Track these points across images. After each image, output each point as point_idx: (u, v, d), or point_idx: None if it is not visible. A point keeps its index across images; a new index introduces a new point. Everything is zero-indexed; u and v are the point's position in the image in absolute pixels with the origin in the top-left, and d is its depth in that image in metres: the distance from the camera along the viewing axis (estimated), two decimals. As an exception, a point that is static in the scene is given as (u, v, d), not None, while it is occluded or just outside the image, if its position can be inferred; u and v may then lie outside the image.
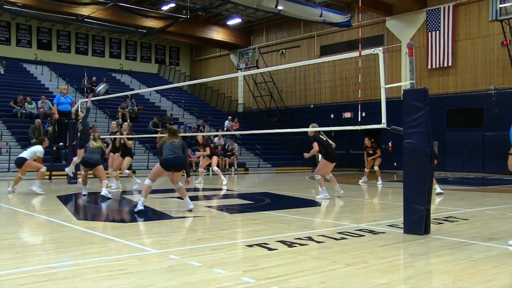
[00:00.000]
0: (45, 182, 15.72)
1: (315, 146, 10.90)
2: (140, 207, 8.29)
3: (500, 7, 20.54)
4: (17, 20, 31.49)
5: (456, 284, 4.19)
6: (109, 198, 10.76)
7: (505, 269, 4.71)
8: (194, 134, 18.52)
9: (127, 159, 14.14)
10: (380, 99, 6.76)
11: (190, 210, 8.48)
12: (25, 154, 12.08)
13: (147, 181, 8.45)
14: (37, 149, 12.17)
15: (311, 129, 10.57)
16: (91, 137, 11.61)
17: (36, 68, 31.13)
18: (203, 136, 16.76)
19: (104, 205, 10.00)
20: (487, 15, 22.38)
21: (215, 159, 16.21)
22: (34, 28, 32.52)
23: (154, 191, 10.76)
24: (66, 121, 15.61)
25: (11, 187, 12.13)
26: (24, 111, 22.93)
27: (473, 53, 23.73)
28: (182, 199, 8.82)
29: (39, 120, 21.01)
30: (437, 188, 11.69)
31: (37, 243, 5.93)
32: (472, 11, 23.84)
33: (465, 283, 4.18)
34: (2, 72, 28.24)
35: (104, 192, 10.90)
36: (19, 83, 26.96)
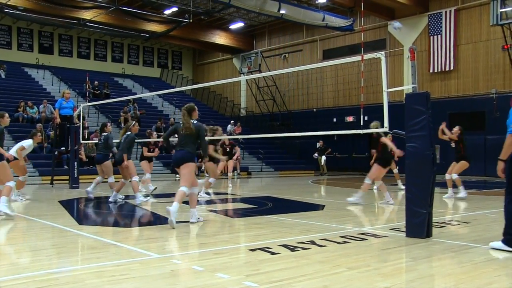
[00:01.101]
0: (47, 187, 15.75)
1: (388, 141, 10.30)
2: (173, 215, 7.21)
3: (501, 12, 20.60)
4: (18, 24, 31.56)
5: (457, 287, 4.19)
6: (116, 202, 10.61)
7: (506, 272, 4.72)
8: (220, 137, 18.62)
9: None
10: (383, 103, 6.77)
11: (193, 223, 7.61)
12: (12, 149, 10.95)
13: (182, 188, 7.47)
14: (24, 143, 11.01)
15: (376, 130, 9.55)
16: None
17: (37, 72, 31.17)
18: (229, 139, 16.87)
19: (106, 210, 10.00)
20: (488, 20, 22.42)
21: (231, 163, 16.44)
22: (36, 32, 32.59)
23: (157, 195, 10.77)
24: (68, 125, 15.63)
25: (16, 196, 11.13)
26: (25, 115, 22.97)
27: (475, 57, 23.74)
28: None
29: (40, 124, 21.03)
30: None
31: (39, 248, 5.92)
32: (473, 16, 23.86)
33: (467, 286, 4.18)
34: (3, 76, 28.28)
35: (112, 196, 10.68)
36: (20, 88, 27.00)
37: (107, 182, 11.41)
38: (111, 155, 11.78)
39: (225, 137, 16.39)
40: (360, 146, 27.58)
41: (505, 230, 5.57)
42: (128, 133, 10.68)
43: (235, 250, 5.82)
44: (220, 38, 33.45)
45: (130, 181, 10.76)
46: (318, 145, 26.70)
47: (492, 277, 4.50)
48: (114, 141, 11.79)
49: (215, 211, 9.78)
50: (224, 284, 4.22)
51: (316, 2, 26.69)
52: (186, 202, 8.01)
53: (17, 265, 4.86)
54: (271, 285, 4.14)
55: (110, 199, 10.82)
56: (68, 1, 26.01)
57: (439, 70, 24.58)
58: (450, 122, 24.17)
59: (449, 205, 10.74)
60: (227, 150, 15.80)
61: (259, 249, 5.62)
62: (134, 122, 11.10)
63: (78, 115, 15.60)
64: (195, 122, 7.66)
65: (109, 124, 12.22)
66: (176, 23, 28.48)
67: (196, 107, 7.87)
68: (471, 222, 7.89)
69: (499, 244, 5.57)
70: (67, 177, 15.92)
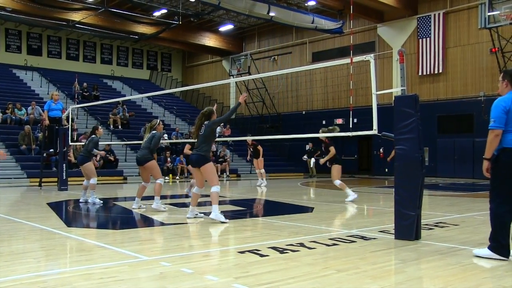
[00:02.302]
0: (36, 189, 15.63)
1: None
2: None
3: (489, 15, 20.76)
4: (6, 25, 31.31)
5: (446, 290, 4.21)
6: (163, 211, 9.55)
7: (493, 274, 4.76)
8: (244, 138, 18.63)
9: None
10: (372, 106, 6.79)
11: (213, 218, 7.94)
12: None
13: (213, 189, 8.09)
14: None
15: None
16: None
17: (26, 73, 30.94)
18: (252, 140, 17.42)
19: (94, 212, 9.95)
20: (476, 23, 22.61)
21: (261, 161, 17.60)
22: (24, 33, 32.34)
23: (147, 197, 10.71)
24: (56, 127, 15.54)
25: None
26: (14, 117, 22.79)
27: (463, 60, 23.93)
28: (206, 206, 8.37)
29: (29, 126, 20.89)
30: None
31: (27, 251, 5.87)
32: (462, 19, 24.05)
33: (456, 289, 4.21)
34: (-8, 78, 28.04)
35: (155, 204, 9.55)
36: (8, 89, 26.78)
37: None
38: (98, 157, 11.55)
39: (249, 138, 17.10)
40: (349, 149, 27.67)
41: (492, 236, 5.28)
42: (154, 132, 9.87)
43: (224, 252, 5.82)
44: (209, 40, 33.42)
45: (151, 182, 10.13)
46: (307, 147, 26.74)
47: (479, 279, 4.53)
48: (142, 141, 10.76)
49: (204, 213, 9.76)
50: (213, 286, 4.21)
51: (306, 4, 26.76)
52: (177, 204, 7.97)
53: (5, 268, 4.81)
54: (260, 287, 4.14)
55: (154, 206, 9.69)
56: (57, 3, 25.85)
57: (428, 73, 24.74)
58: (438, 124, 24.41)
59: (437, 207, 10.80)
60: (251, 149, 16.62)
61: (248, 251, 5.62)
62: (158, 120, 10.18)
63: (67, 117, 15.52)
64: (206, 122, 8.17)
65: (100, 127, 12.04)
66: (166, 25, 28.41)
67: (214, 110, 8.38)
68: (459, 224, 7.94)
69: (485, 252, 5.28)
70: (55, 179, 15.81)
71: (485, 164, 5.42)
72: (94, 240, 6.40)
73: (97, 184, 11.61)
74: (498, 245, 5.18)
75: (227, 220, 8.02)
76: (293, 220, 8.56)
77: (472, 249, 5.78)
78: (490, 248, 5.25)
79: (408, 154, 6.37)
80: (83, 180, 11.68)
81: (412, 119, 6.36)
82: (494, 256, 5.18)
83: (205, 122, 8.20)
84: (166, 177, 21.74)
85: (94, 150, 11.37)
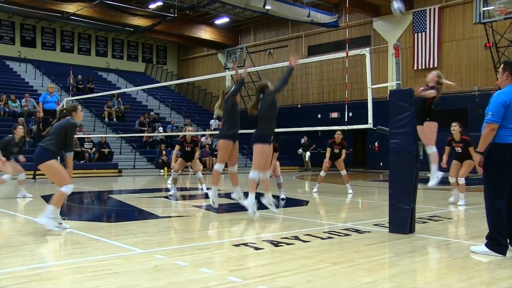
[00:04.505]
0: (30, 182, 15.57)
1: None
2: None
3: (484, 10, 20.79)
4: (-1, 16, 31.12)
5: (439, 282, 4.23)
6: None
7: (486, 267, 4.80)
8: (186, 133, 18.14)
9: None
10: (367, 99, 6.81)
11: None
12: None
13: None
14: None
15: None
16: None
17: (19, 65, 30.71)
18: None
19: (89, 205, 9.93)
20: (471, 18, 22.61)
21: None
22: (18, 24, 32.09)
23: (140, 191, 10.70)
24: (51, 120, 15.47)
25: None
26: (7, 109, 22.67)
27: (458, 54, 23.98)
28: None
29: (22, 118, 20.79)
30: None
31: (21, 244, 5.86)
32: (457, 14, 24.08)
33: (448, 281, 4.23)
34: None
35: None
36: (2, 81, 26.58)
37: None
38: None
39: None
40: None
41: (490, 235, 5.17)
42: None
43: (219, 245, 5.82)
44: (205, 33, 33.31)
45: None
46: (302, 141, 26.75)
47: (472, 271, 4.57)
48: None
49: (199, 206, 9.77)
50: (207, 279, 4.22)
51: (302, -2, 26.71)
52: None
53: (-1, 261, 4.81)
54: (255, 280, 4.15)
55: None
56: (51, -6, 25.69)
57: (423, 67, 24.76)
58: (433, 119, 24.46)
59: (432, 201, 10.85)
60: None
61: (243, 244, 5.63)
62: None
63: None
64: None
65: (19, 127, 11.40)
66: (161, 18, 28.29)
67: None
68: (453, 218, 7.99)
69: (482, 249, 5.19)
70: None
71: (478, 158, 5.35)
72: (89, 233, 6.39)
73: (92, 176, 11.55)
74: (496, 244, 5.10)
75: (256, 213, 7.62)
76: (288, 213, 8.57)
77: (465, 242, 5.82)
78: (487, 245, 5.16)
79: (402, 148, 6.38)
80: (79, 173, 11.63)
81: (407, 113, 6.37)
82: (491, 254, 5.10)
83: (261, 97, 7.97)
84: (161, 171, 21.70)
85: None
